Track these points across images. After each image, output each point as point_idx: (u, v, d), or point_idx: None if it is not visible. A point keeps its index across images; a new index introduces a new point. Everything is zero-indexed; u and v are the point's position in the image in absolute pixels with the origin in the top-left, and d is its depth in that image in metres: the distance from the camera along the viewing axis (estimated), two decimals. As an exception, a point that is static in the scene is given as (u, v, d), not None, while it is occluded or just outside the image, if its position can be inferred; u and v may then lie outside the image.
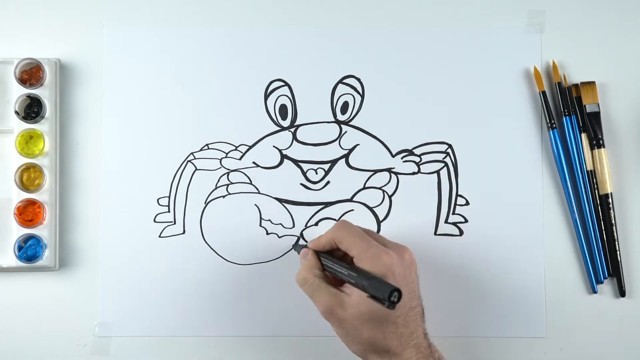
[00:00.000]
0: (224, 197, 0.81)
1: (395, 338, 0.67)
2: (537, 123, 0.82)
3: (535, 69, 0.81)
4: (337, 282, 0.71)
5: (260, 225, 0.80)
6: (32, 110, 0.80)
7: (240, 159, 0.81)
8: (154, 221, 0.80)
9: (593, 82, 0.81)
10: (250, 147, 0.81)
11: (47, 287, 0.80)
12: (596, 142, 0.80)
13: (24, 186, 0.79)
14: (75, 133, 0.81)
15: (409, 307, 0.68)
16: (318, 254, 0.72)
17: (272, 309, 0.80)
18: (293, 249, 0.80)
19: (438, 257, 0.80)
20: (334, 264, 0.70)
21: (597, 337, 0.80)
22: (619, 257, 0.80)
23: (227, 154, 0.81)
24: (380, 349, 0.67)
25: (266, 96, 0.82)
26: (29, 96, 0.79)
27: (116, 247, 0.80)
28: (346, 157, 0.81)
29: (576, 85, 0.81)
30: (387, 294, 0.61)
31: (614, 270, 0.80)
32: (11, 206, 0.79)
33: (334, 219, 0.80)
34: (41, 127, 0.79)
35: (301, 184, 0.81)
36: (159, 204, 0.81)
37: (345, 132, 0.82)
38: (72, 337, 0.80)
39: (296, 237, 0.80)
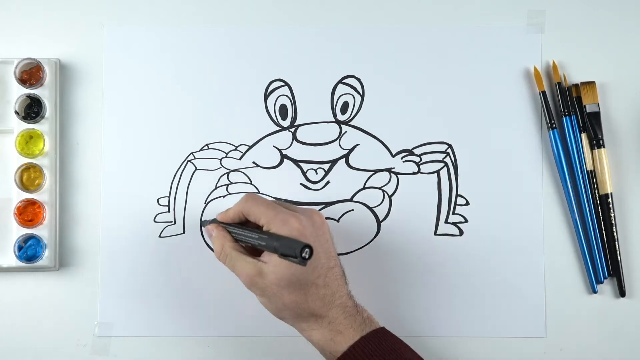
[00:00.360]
0: (224, 197, 0.81)
1: (318, 299, 0.67)
2: (537, 123, 0.82)
3: (535, 69, 0.81)
4: (254, 253, 0.70)
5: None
6: (32, 110, 0.80)
7: (240, 159, 0.81)
8: (154, 221, 0.80)
9: (593, 82, 0.81)
10: (250, 147, 0.81)
11: (47, 287, 0.80)
12: (596, 142, 0.80)
13: (24, 186, 0.79)
14: (75, 133, 0.81)
15: (327, 267, 0.68)
16: (225, 227, 0.72)
17: (272, 309, 0.80)
18: (201, 225, 0.79)
19: (438, 257, 0.80)
20: (244, 233, 0.69)
21: (597, 337, 0.80)
22: (619, 257, 0.80)
23: (227, 154, 0.81)
24: (305, 313, 0.68)
25: (266, 96, 0.82)
26: (29, 96, 0.79)
27: (116, 247, 0.80)
28: (346, 157, 0.81)
29: (576, 85, 0.81)
30: (298, 251, 0.61)
31: (614, 270, 0.80)
32: (11, 206, 0.79)
33: (334, 219, 0.80)
34: (41, 127, 0.79)
35: (301, 184, 0.81)
36: (159, 204, 0.81)
37: (345, 132, 0.82)
38: (72, 337, 0.80)
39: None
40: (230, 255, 0.70)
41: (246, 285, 0.69)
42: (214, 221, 0.74)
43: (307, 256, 0.61)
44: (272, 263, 0.67)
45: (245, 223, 0.72)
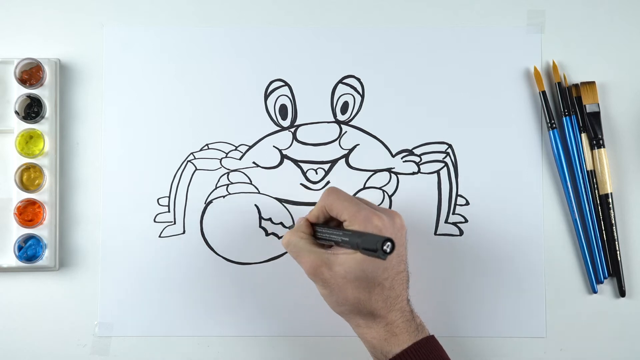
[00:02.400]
0: (224, 197, 0.81)
1: (381, 300, 0.68)
2: (537, 123, 0.82)
3: (535, 69, 0.81)
4: (326, 248, 0.71)
5: (260, 226, 0.80)
6: (32, 110, 0.80)
7: (240, 159, 0.81)
8: (154, 221, 0.80)
9: (593, 82, 0.81)
10: (250, 147, 0.81)
11: (47, 287, 0.80)
12: (596, 142, 0.80)
13: (24, 186, 0.79)
14: (75, 133, 0.81)
15: (396, 271, 0.69)
16: (312, 224, 0.72)
17: (272, 309, 0.80)
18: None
19: (438, 257, 0.80)
20: (328, 231, 0.69)
21: (597, 337, 0.80)
22: (619, 257, 0.80)
23: (227, 154, 0.81)
24: (365, 311, 0.68)
25: (266, 96, 0.82)
26: (29, 96, 0.79)
27: (116, 247, 0.80)
28: (346, 157, 0.81)
29: (576, 85, 0.81)
30: (379, 244, 0.61)
31: (614, 270, 0.80)
32: (11, 206, 0.79)
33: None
34: (41, 127, 0.79)
35: (301, 184, 0.81)
36: (159, 204, 0.81)
37: (345, 132, 0.82)
38: (72, 337, 0.80)
39: None
40: (296, 242, 0.70)
41: (308, 274, 0.68)
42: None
43: (388, 250, 0.61)
44: (343, 256, 0.67)
45: (329, 221, 0.71)
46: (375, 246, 0.61)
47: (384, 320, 0.68)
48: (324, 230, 0.70)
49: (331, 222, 0.72)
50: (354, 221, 0.67)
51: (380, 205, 0.81)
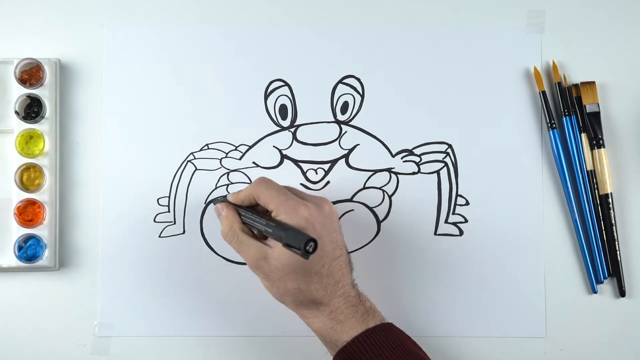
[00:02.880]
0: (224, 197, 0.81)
1: (321, 288, 0.68)
2: (537, 123, 0.82)
3: (535, 69, 0.81)
4: (261, 236, 0.71)
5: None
6: (32, 110, 0.80)
7: (240, 159, 0.81)
8: (154, 221, 0.80)
9: (593, 82, 0.81)
10: (250, 147, 0.81)
11: (47, 287, 0.80)
12: (596, 142, 0.80)
13: (24, 186, 0.79)
14: (75, 133, 0.81)
15: (332, 257, 0.68)
16: (236, 208, 0.72)
17: (272, 309, 0.80)
18: (212, 204, 0.79)
19: (438, 257, 0.80)
20: (252, 217, 0.70)
21: (597, 337, 0.80)
22: (619, 257, 0.80)
23: (227, 154, 0.81)
24: (306, 300, 0.68)
25: (266, 96, 0.82)
26: (29, 96, 0.79)
27: (116, 247, 0.80)
28: (346, 157, 0.81)
29: (576, 85, 0.81)
30: (302, 244, 0.61)
31: (614, 270, 0.80)
32: (11, 206, 0.79)
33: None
34: (41, 127, 0.79)
35: (301, 184, 0.81)
36: (159, 204, 0.81)
37: (345, 132, 0.82)
38: (72, 337, 0.80)
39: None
40: (237, 236, 0.70)
41: (250, 267, 0.69)
42: (224, 200, 0.74)
43: (310, 250, 0.62)
44: (277, 249, 0.67)
45: (254, 206, 0.72)
46: (298, 245, 0.61)
47: (327, 308, 0.68)
48: (249, 215, 0.70)
49: (258, 207, 0.72)
50: (280, 211, 0.67)
51: (380, 205, 0.81)
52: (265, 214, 0.70)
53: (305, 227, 0.66)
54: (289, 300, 0.69)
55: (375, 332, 0.67)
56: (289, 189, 0.71)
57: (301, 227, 0.66)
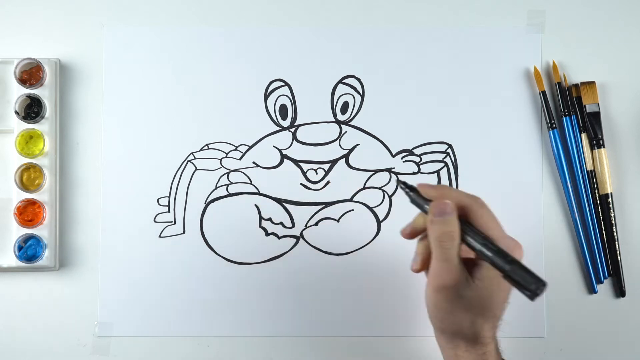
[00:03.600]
0: (224, 197, 0.81)
1: (489, 327, 0.64)
2: (537, 123, 0.82)
3: (535, 69, 0.81)
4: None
5: (260, 226, 0.80)
6: (32, 110, 0.80)
7: (240, 159, 0.81)
8: (154, 221, 0.80)
9: (593, 82, 0.81)
10: (250, 147, 0.81)
11: (47, 287, 0.80)
12: (596, 142, 0.80)
13: (24, 186, 0.79)
14: (75, 133, 0.81)
15: (506, 304, 0.65)
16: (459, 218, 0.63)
17: (271, 309, 0.80)
18: (400, 187, 0.66)
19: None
20: (476, 235, 0.62)
21: (597, 337, 0.80)
22: (619, 257, 0.80)
23: (227, 154, 0.81)
24: (470, 334, 0.64)
25: (266, 96, 0.82)
26: (29, 96, 0.79)
27: (116, 247, 0.80)
28: (346, 157, 0.81)
29: (576, 85, 0.81)
30: (533, 285, 0.57)
31: (614, 270, 0.80)
32: (11, 206, 0.79)
33: (334, 219, 0.80)
34: (41, 127, 0.79)
35: (301, 184, 0.81)
36: (159, 204, 0.81)
37: (345, 132, 0.82)
38: (72, 337, 0.80)
39: (296, 237, 0.80)
40: (452, 248, 0.61)
41: (434, 288, 0.62)
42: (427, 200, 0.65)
43: (539, 292, 0.57)
44: (478, 282, 0.61)
45: (464, 216, 0.63)
46: (528, 284, 0.57)
47: (483, 349, 0.64)
48: (474, 233, 0.62)
49: (469, 226, 0.63)
50: (501, 237, 0.62)
51: (380, 205, 0.81)
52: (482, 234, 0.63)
53: None
54: (452, 328, 0.64)
55: None
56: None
57: None
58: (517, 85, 0.82)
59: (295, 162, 0.81)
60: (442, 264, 0.62)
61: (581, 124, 0.81)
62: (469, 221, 0.63)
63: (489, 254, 0.60)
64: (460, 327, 0.63)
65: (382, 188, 0.81)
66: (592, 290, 0.80)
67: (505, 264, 0.59)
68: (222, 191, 0.81)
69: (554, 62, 0.81)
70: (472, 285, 0.62)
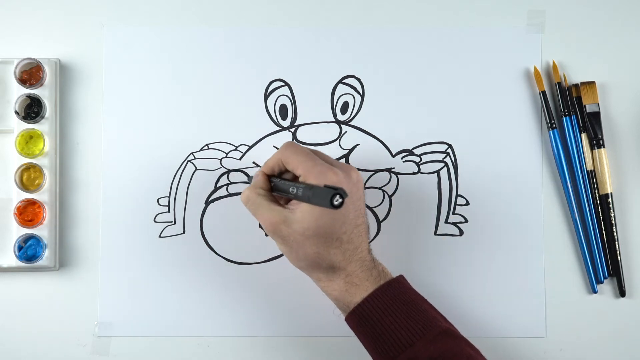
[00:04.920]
0: (224, 197, 0.81)
1: (340, 253, 0.68)
2: (537, 123, 0.82)
3: (535, 69, 0.81)
4: (285, 204, 0.71)
5: (260, 226, 0.80)
6: (32, 110, 0.80)
7: (240, 159, 0.81)
8: (154, 221, 0.80)
9: (593, 82, 0.81)
10: (251, 147, 0.81)
11: (47, 287, 0.80)
12: (596, 142, 0.80)
13: (24, 186, 0.79)
14: (75, 133, 0.81)
15: (354, 224, 0.69)
16: (269, 177, 0.71)
17: (272, 309, 0.80)
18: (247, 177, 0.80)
19: (438, 257, 0.80)
20: (282, 184, 0.69)
21: (597, 337, 0.80)
22: (619, 257, 0.80)
23: (227, 154, 0.81)
24: (324, 265, 0.69)
25: (266, 96, 0.82)
26: (29, 96, 0.79)
27: (116, 247, 0.80)
28: (346, 157, 0.81)
29: (576, 85, 0.81)
30: (330, 196, 0.61)
31: (614, 270, 0.80)
32: (11, 206, 0.79)
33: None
34: (41, 127, 0.79)
35: (301, 184, 0.81)
36: (159, 204, 0.81)
37: (345, 132, 0.82)
38: (72, 337, 0.80)
39: None
40: (254, 199, 0.70)
41: (268, 232, 0.69)
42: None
43: (337, 203, 0.61)
44: (300, 212, 0.67)
45: (284, 173, 0.71)
46: (328, 197, 0.61)
47: (343, 272, 0.69)
48: (278, 182, 0.70)
49: (286, 175, 0.71)
50: (308, 175, 0.67)
51: (380, 205, 0.81)
52: (293, 180, 0.70)
53: None
54: (305, 264, 0.69)
55: (384, 290, 0.68)
56: (315, 152, 0.71)
57: None
58: (517, 85, 0.82)
59: (295, 162, 0.81)
60: (255, 217, 0.70)
61: (581, 124, 0.81)
62: (285, 175, 0.71)
63: (289, 192, 0.67)
64: (310, 260, 0.68)
65: (382, 188, 0.81)
66: (592, 290, 0.80)
67: (306, 192, 0.64)
68: (222, 191, 0.81)
69: (554, 62, 0.81)
70: (294, 223, 0.67)
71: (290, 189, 0.67)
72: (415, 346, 0.66)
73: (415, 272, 0.80)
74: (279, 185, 0.70)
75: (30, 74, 0.79)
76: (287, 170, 0.71)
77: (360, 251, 0.69)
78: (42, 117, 0.79)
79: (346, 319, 0.70)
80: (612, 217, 0.80)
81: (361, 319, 0.68)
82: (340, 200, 0.61)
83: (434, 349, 0.66)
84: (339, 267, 0.69)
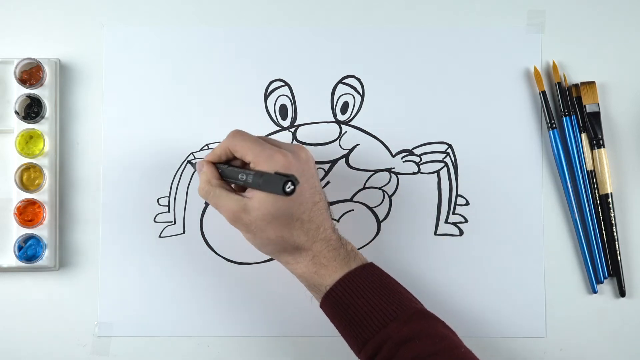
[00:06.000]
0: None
1: (303, 234, 0.68)
2: (537, 123, 0.82)
3: (535, 69, 0.81)
4: (240, 191, 0.71)
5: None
6: (32, 110, 0.80)
7: (240, 159, 0.81)
8: (154, 221, 0.80)
9: (593, 82, 0.81)
10: (250, 147, 0.81)
11: (47, 287, 0.80)
12: (596, 142, 0.80)
13: (24, 186, 0.79)
14: (75, 133, 0.81)
15: (312, 202, 0.69)
16: (216, 165, 0.71)
17: (272, 309, 0.80)
18: (189, 164, 0.80)
19: (438, 257, 0.80)
20: (230, 171, 0.69)
21: (597, 337, 0.80)
22: (619, 257, 0.80)
23: (227, 154, 0.81)
24: (290, 247, 0.69)
25: (266, 96, 0.82)
26: (29, 96, 0.79)
27: (116, 247, 0.80)
28: (346, 157, 0.81)
29: (576, 85, 0.81)
30: (281, 183, 0.61)
31: (614, 270, 0.80)
32: (11, 206, 0.79)
33: (334, 219, 0.80)
34: (41, 127, 0.79)
35: (301, 184, 0.81)
36: (159, 204, 0.81)
37: (345, 132, 0.82)
38: (72, 337, 0.80)
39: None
40: (214, 191, 0.70)
41: (230, 222, 0.69)
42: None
43: (289, 190, 0.62)
44: (257, 199, 0.67)
45: (232, 160, 0.72)
46: (278, 186, 0.62)
47: (310, 253, 0.69)
48: (228, 170, 0.70)
49: (235, 161, 0.71)
50: (258, 161, 0.67)
51: (380, 205, 0.81)
52: (243, 166, 0.70)
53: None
54: (271, 249, 0.70)
55: (357, 273, 0.68)
56: (264, 139, 0.71)
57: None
58: (517, 85, 0.82)
59: (295, 162, 0.81)
60: (217, 209, 0.70)
61: (581, 124, 0.81)
62: (233, 162, 0.71)
63: (242, 180, 0.67)
64: (275, 244, 0.69)
65: (382, 188, 0.81)
66: (592, 290, 0.80)
67: (256, 179, 0.65)
68: (222, 191, 0.81)
69: (554, 62, 0.81)
70: (253, 210, 0.67)
71: (240, 176, 0.67)
72: (389, 327, 0.66)
73: (415, 272, 0.80)
74: (227, 173, 0.70)
75: (30, 74, 0.79)
76: (234, 158, 0.71)
77: (324, 230, 0.69)
78: (42, 117, 0.79)
79: (321, 305, 0.70)
80: (612, 217, 0.80)
81: (335, 302, 0.68)
82: (292, 187, 0.61)
83: (407, 330, 0.66)
84: (304, 247, 0.69)
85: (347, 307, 0.68)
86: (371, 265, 0.70)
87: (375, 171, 0.81)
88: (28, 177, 0.79)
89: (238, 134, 0.70)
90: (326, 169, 0.81)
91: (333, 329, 0.71)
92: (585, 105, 0.80)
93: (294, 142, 0.81)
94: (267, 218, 0.67)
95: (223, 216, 0.70)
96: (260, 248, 0.70)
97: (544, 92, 0.81)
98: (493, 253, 0.80)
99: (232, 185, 0.71)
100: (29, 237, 0.79)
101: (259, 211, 0.67)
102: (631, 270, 0.80)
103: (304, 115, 0.82)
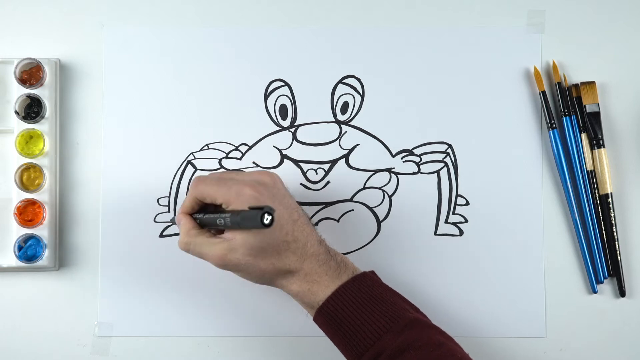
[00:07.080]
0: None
1: (291, 254, 0.68)
2: (537, 123, 0.82)
3: (535, 69, 0.81)
4: (218, 233, 0.70)
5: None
6: (32, 110, 0.80)
7: (240, 159, 0.81)
8: (154, 221, 0.80)
9: (593, 82, 0.81)
10: (250, 147, 0.81)
11: (47, 287, 0.80)
12: (596, 142, 0.80)
13: (24, 186, 0.79)
14: (75, 133, 0.81)
15: (291, 222, 0.68)
16: (192, 215, 0.71)
17: (272, 309, 0.80)
18: (172, 224, 0.80)
19: (438, 257, 0.80)
20: (206, 218, 0.69)
21: (597, 337, 0.80)
22: (619, 257, 0.80)
23: (227, 154, 0.81)
24: (283, 271, 0.69)
25: (266, 96, 0.82)
26: (29, 96, 0.79)
27: (116, 247, 0.80)
28: (346, 157, 0.81)
29: (576, 85, 0.81)
30: (259, 216, 0.61)
31: (614, 270, 0.80)
32: (11, 206, 0.79)
33: (334, 219, 0.80)
34: (41, 127, 0.79)
35: (301, 184, 0.81)
36: (159, 204, 0.81)
37: (345, 132, 0.82)
38: (72, 337, 0.80)
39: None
40: (194, 241, 0.69)
41: (218, 267, 0.68)
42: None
43: (267, 222, 0.62)
44: (239, 237, 0.67)
45: (204, 207, 0.71)
46: (257, 219, 0.62)
47: (302, 272, 0.69)
48: (203, 218, 0.70)
49: (209, 207, 0.71)
50: (228, 200, 0.67)
51: (380, 205, 0.81)
52: (217, 208, 0.70)
53: (256, 205, 0.66)
54: (267, 278, 0.69)
55: (348, 286, 0.68)
56: (225, 173, 0.71)
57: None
58: (517, 85, 0.82)
59: (295, 162, 0.81)
60: (203, 258, 0.69)
61: (581, 124, 0.81)
62: (208, 208, 0.71)
63: (221, 224, 0.67)
64: (269, 273, 0.68)
65: (382, 188, 0.81)
66: (592, 290, 0.80)
67: (234, 220, 0.65)
68: (222, 191, 0.81)
69: (554, 62, 0.81)
70: (239, 248, 0.67)
71: (218, 221, 0.67)
72: (383, 339, 0.66)
73: (415, 272, 0.80)
74: (205, 221, 0.70)
75: (30, 74, 0.79)
76: (206, 205, 0.71)
77: (311, 245, 0.69)
78: (42, 117, 0.79)
79: (314, 319, 0.70)
80: (612, 217, 0.80)
81: (327, 318, 0.68)
82: (269, 217, 0.61)
83: (402, 340, 0.65)
84: (295, 268, 0.68)
85: (340, 322, 0.67)
86: (362, 275, 0.70)
87: (375, 171, 0.81)
88: (28, 177, 0.79)
89: (200, 181, 0.70)
90: (326, 169, 0.81)
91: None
92: (585, 105, 0.80)
93: (294, 142, 0.81)
94: (254, 252, 0.67)
95: (210, 263, 0.68)
96: (257, 282, 0.70)
97: (544, 92, 0.81)
98: (493, 253, 0.80)
99: (212, 231, 0.71)
100: (29, 237, 0.79)
101: (244, 247, 0.67)
102: (631, 270, 0.80)
103: (304, 115, 0.82)
